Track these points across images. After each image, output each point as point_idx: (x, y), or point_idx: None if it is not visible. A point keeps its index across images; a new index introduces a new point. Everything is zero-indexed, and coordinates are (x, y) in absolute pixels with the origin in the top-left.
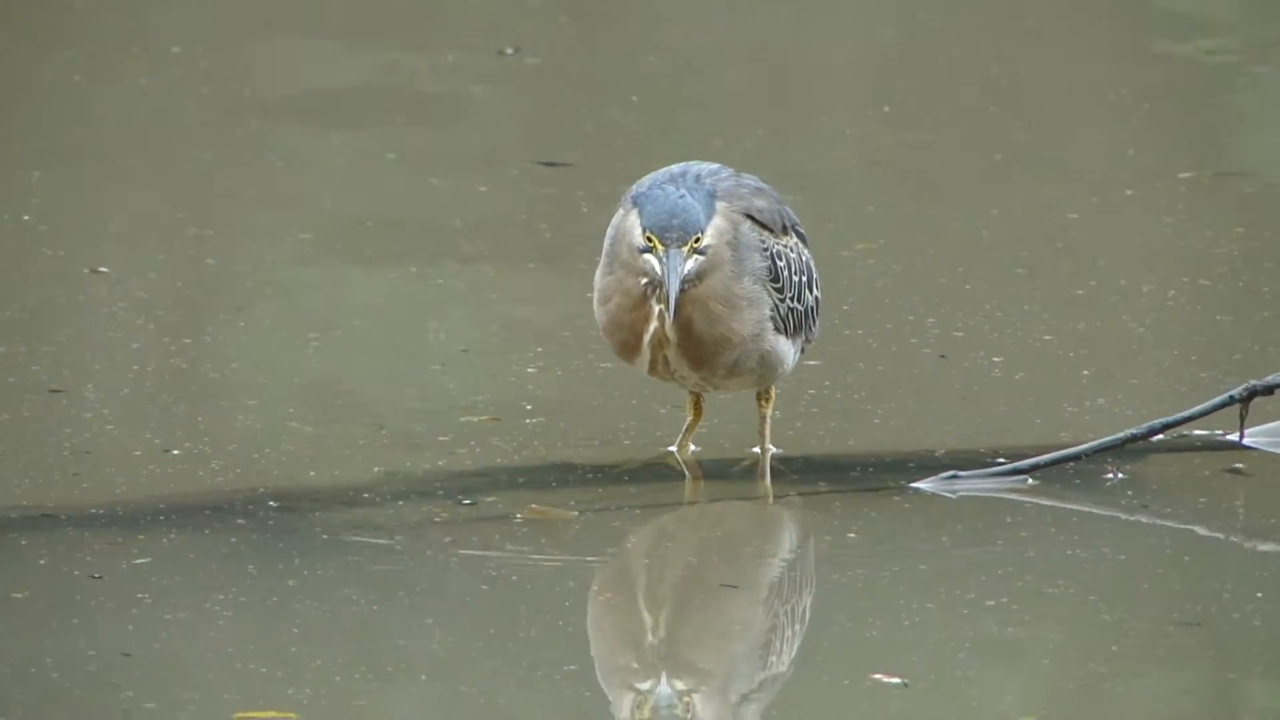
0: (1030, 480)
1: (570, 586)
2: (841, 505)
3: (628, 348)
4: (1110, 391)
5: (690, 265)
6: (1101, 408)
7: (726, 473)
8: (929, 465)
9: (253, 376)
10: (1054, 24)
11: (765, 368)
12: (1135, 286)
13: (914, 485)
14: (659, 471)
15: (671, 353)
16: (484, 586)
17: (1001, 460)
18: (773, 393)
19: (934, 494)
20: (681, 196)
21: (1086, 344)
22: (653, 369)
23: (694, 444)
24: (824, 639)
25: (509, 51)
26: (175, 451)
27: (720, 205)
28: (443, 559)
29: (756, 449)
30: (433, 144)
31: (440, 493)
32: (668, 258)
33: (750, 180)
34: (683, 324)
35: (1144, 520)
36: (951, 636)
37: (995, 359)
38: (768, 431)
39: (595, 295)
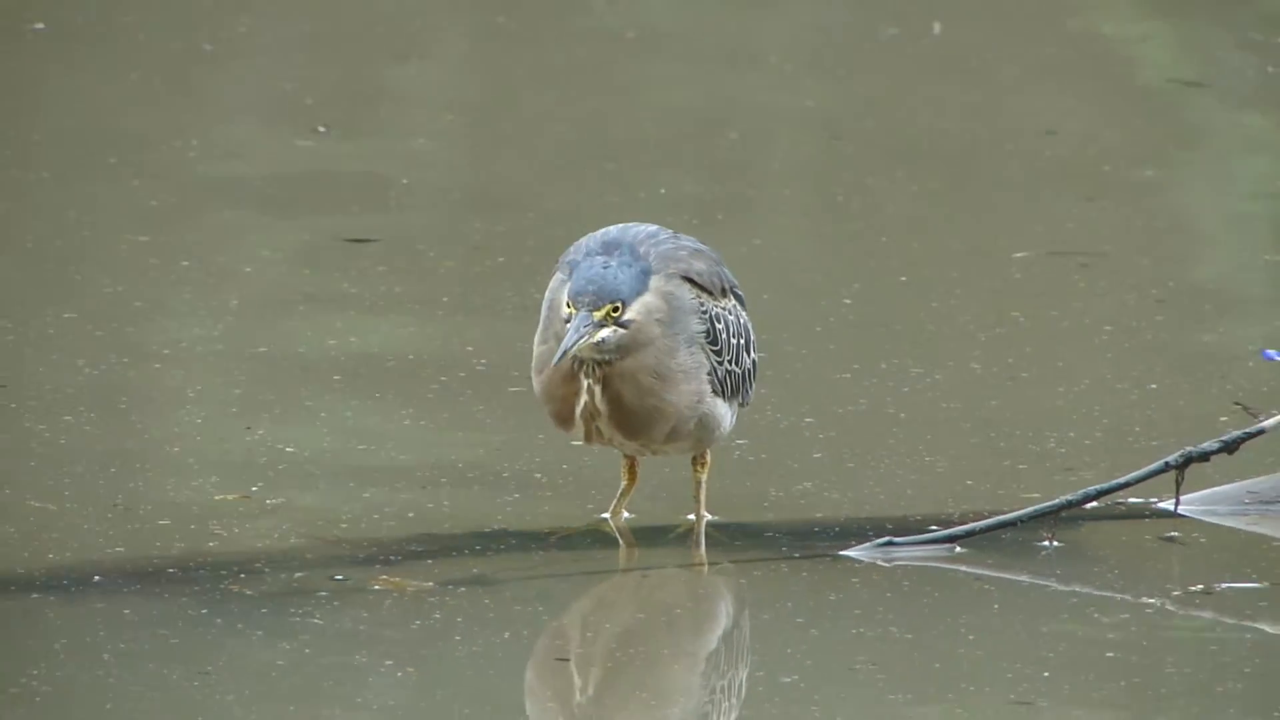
0: (957, 549)
1: (364, 660)
2: (775, 573)
3: (561, 418)
4: (1075, 458)
5: (606, 334)
6: (1068, 470)
7: (661, 539)
8: (864, 532)
9: (18, 461)
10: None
11: (703, 430)
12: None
13: (848, 552)
14: (589, 538)
15: (603, 424)
16: (281, 662)
17: (935, 527)
18: (708, 458)
19: (869, 562)
20: (606, 266)
21: (1010, 414)
22: (588, 439)
23: (627, 510)
24: (781, 711)
25: (321, 130)
26: None
27: (654, 281)
28: (248, 631)
29: (691, 515)
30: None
31: (224, 571)
32: (575, 318)
33: (689, 242)
34: (612, 398)
35: (1079, 589)
36: (888, 710)
37: (960, 421)
38: (703, 497)
39: (533, 363)
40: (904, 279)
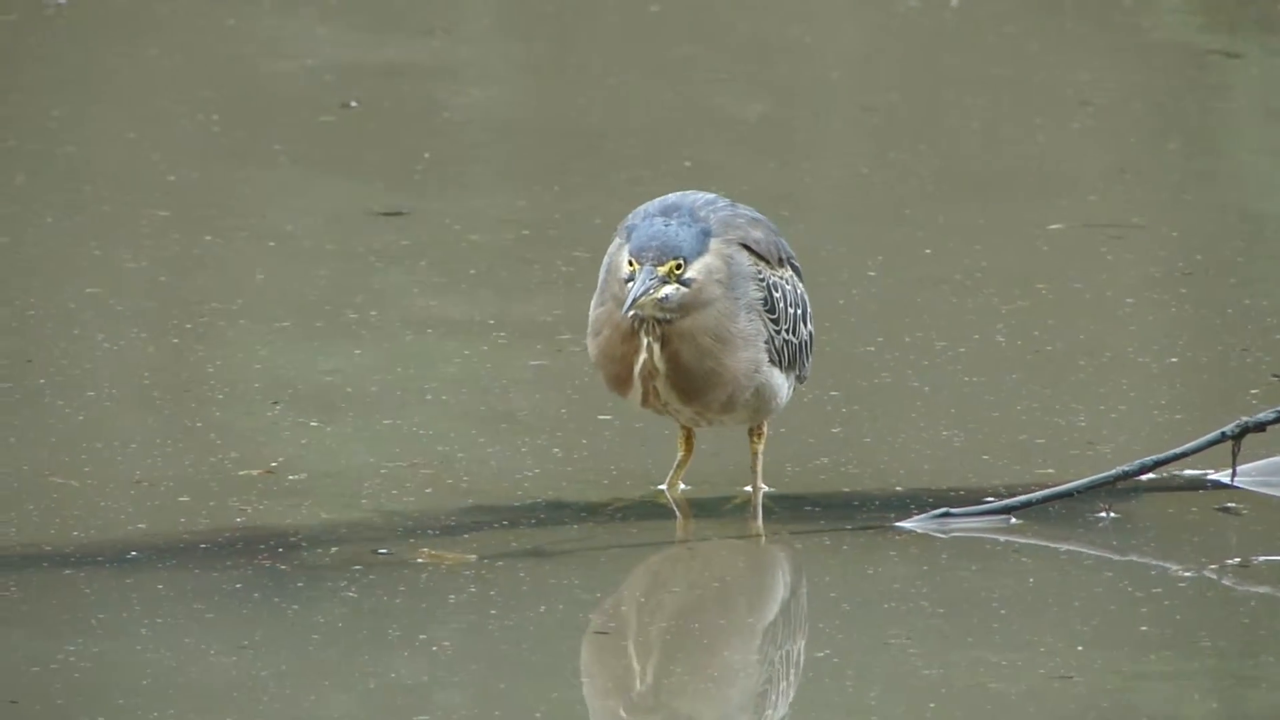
0: (1012, 520)
1: (399, 633)
2: (818, 546)
3: (619, 380)
4: (1096, 431)
5: (669, 290)
6: (1089, 444)
7: (718, 511)
8: (905, 505)
9: (39, 438)
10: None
11: (760, 401)
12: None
13: (904, 524)
14: (648, 510)
15: (661, 385)
16: (317, 636)
17: (991, 499)
18: (765, 429)
19: (924, 533)
20: (667, 225)
21: (1070, 386)
22: (645, 401)
23: (684, 482)
24: (814, 685)
25: (353, 104)
26: None
27: (714, 244)
28: (284, 605)
29: (748, 487)
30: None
31: (261, 545)
32: (640, 272)
33: (746, 211)
34: (670, 356)
35: (1135, 560)
36: (944, 685)
37: (984, 394)
38: (760, 469)
39: (589, 327)
40: (928, 251)
